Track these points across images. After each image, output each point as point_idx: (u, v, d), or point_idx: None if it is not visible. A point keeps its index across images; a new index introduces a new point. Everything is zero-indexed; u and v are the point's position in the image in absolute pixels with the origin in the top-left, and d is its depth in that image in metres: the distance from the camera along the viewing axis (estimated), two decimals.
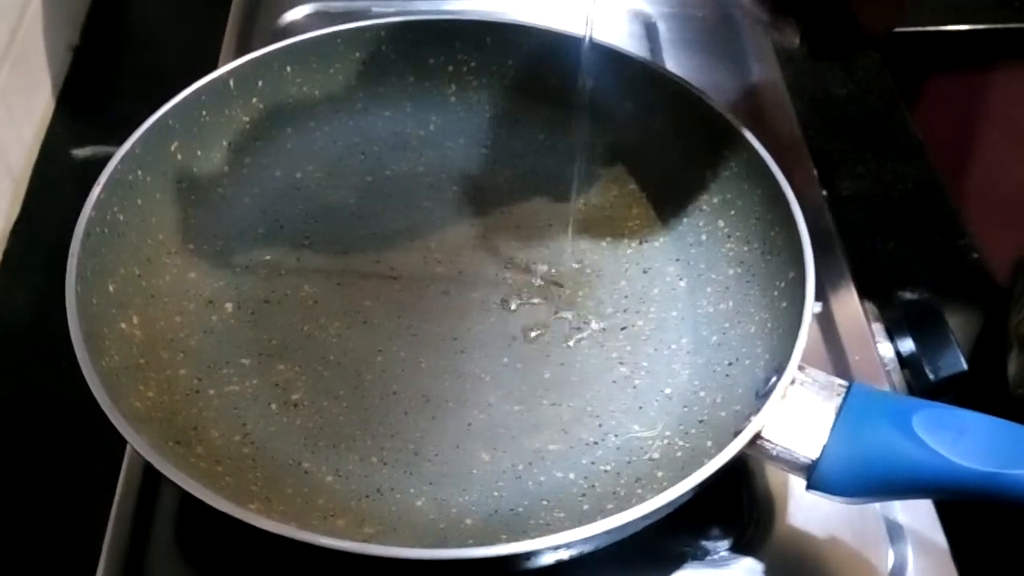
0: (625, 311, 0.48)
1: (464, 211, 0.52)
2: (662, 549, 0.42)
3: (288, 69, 0.51)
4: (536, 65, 0.52)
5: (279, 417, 0.43)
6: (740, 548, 0.42)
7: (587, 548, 0.36)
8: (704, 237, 0.49)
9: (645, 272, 0.49)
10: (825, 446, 0.37)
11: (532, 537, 0.34)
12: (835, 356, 0.48)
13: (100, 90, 0.64)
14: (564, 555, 0.35)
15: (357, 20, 0.52)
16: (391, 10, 0.63)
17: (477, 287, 0.49)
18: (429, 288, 0.48)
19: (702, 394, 0.44)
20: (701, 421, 0.42)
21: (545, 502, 0.41)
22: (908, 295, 0.53)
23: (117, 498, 0.42)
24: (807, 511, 0.43)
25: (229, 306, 0.47)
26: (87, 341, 0.38)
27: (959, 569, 0.42)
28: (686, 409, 0.43)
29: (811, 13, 0.41)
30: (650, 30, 0.65)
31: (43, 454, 0.46)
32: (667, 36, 0.64)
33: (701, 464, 0.35)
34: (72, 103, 0.62)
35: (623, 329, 0.47)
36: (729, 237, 0.47)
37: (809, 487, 0.38)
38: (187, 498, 0.34)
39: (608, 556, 0.36)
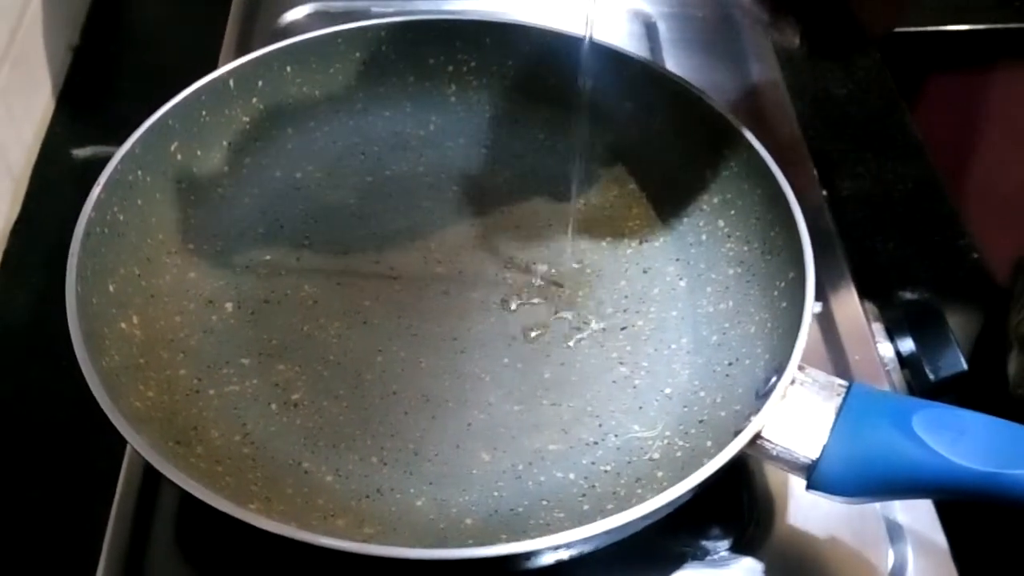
0: (625, 311, 0.48)
1: (464, 211, 0.52)
2: (662, 549, 0.42)
3: (288, 69, 0.51)
4: (536, 65, 0.52)
5: (279, 417, 0.43)
6: (740, 548, 0.42)
7: (587, 548, 0.36)
8: (704, 237, 0.49)
9: (645, 272, 0.49)
10: (825, 446, 0.37)
11: (532, 537, 0.34)
12: (835, 356, 0.48)
13: (100, 90, 0.64)
14: (564, 555, 0.35)
15: (357, 20, 0.52)
16: (391, 10, 0.64)
17: (477, 287, 0.49)
18: (429, 288, 0.48)
19: (702, 394, 0.44)
20: (701, 421, 0.42)
21: (545, 502, 0.41)
22: (908, 295, 0.53)
23: (117, 498, 0.42)
24: (807, 511, 0.43)
25: (229, 306, 0.47)
26: (87, 341, 0.38)
27: (959, 569, 0.42)
28: (686, 409, 0.43)
29: (811, 13, 0.41)
30: (650, 30, 0.65)
31: (43, 454, 0.46)
32: (667, 36, 0.64)
33: (701, 464, 0.35)
34: (72, 103, 0.62)
35: (623, 329, 0.47)
36: (729, 237, 0.47)
37: (809, 487, 0.38)
38: (187, 498, 0.34)
39: (608, 556, 0.36)
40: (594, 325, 0.47)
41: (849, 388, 0.38)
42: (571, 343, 0.47)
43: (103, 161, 0.44)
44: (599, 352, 0.46)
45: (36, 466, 0.46)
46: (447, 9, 0.66)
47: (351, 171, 0.53)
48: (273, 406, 0.43)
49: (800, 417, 0.38)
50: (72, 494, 0.45)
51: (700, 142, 0.49)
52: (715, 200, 0.48)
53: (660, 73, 0.50)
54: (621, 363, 0.46)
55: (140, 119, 0.46)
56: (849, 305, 0.50)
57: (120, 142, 0.45)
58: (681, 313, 0.47)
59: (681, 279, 0.48)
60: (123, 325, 0.43)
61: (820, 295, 0.45)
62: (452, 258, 0.50)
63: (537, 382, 0.45)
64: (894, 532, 0.42)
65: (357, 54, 0.52)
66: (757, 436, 0.37)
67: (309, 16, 0.65)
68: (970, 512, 0.42)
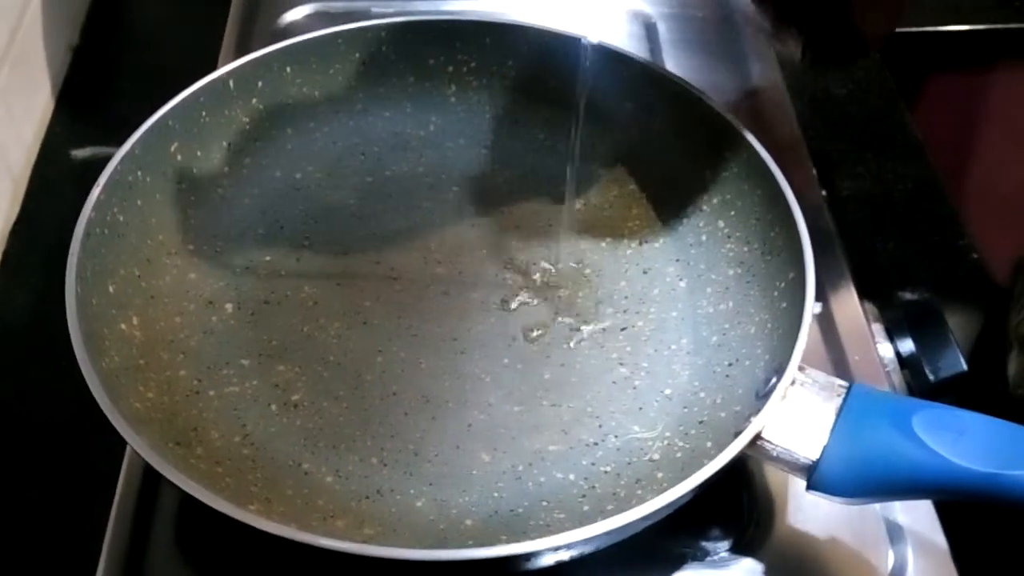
0: (625, 312, 0.48)
1: (464, 211, 0.52)
2: (662, 550, 0.42)
3: (288, 70, 0.51)
4: (536, 65, 0.52)
5: (279, 418, 0.43)
6: (740, 549, 0.42)
7: (587, 549, 0.36)
8: (704, 238, 0.49)
9: (645, 272, 0.49)
10: (825, 447, 0.37)
11: (532, 538, 0.34)
12: (835, 357, 0.48)
13: (100, 90, 0.64)
14: (564, 556, 0.35)
15: (357, 20, 0.52)
16: (391, 10, 0.63)
17: (477, 287, 0.49)
18: (429, 289, 0.48)
19: (702, 395, 0.44)
20: (701, 422, 0.42)
21: (545, 503, 0.41)
22: (908, 295, 0.53)
23: (117, 499, 0.42)
24: (807, 512, 0.43)
25: (229, 307, 0.47)
26: (87, 342, 0.38)
27: (959, 570, 0.42)
28: (686, 410, 0.43)
29: (813, 23, 0.41)
30: (650, 30, 0.65)
31: (43, 454, 0.46)
32: (667, 37, 0.64)
33: (701, 465, 0.35)
34: (72, 103, 0.62)
35: (623, 330, 0.47)
36: (729, 237, 0.47)
37: (809, 488, 0.38)
38: (187, 499, 0.34)
39: (608, 557, 0.36)
40: (594, 326, 0.47)
41: (849, 389, 0.38)
42: (571, 344, 0.47)
43: (103, 161, 0.44)
44: (599, 353, 0.46)
45: (36, 466, 0.46)
46: (447, 10, 0.66)
47: (351, 171, 0.53)
48: (273, 407, 0.43)
49: (800, 418, 0.38)
50: (72, 495, 0.45)
51: (700, 143, 0.49)
52: (715, 201, 0.48)
53: (660, 74, 0.50)
54: (621, 364, 0.46)
55: (140, 119, 0.46)
56: (849, 305, 0.50)
57: (120, 142, 0.45)
58: (681, 314, 0.47)
59: (681, 280, 0.48)
60: (123, 326, 0.43)
61: (820, 295, 0.45)
62: (452, 258, 0.50)
63: (537, 383, 0.45)
64: (894, 533, 0.42)
65: (357, 54, 0.52)
66: (757, 437, 0.37)
67: (309, 16, 0.65)
68: (970, 513, 0.42)
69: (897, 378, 0.48)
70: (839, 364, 0.48)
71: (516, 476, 0.42)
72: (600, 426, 0.43)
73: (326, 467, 0.42)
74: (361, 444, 0.43)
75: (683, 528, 0.42)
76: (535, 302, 0.48)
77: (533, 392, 0.45)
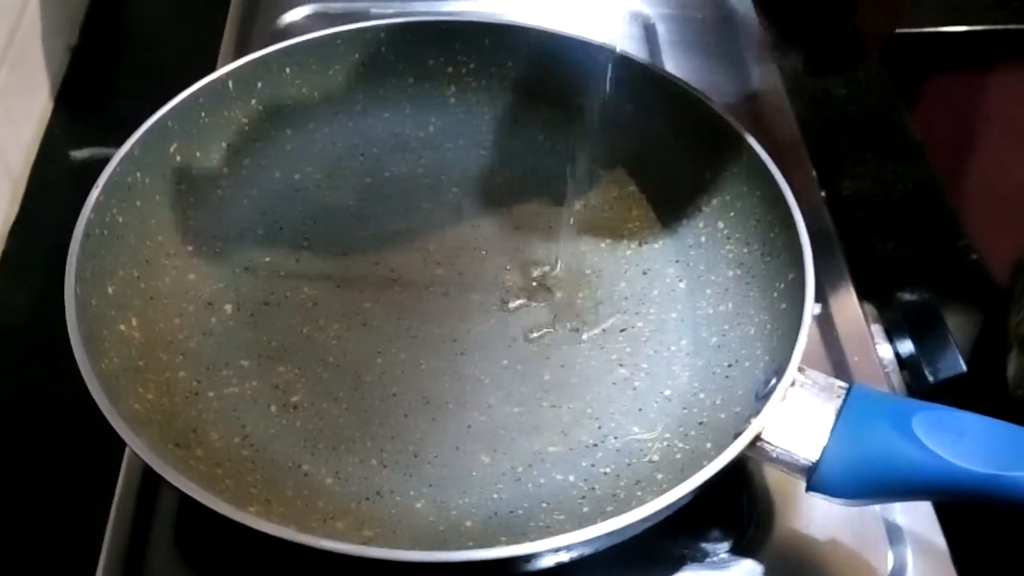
0: (625, 313, 0.48)
1: (464, 212, 0.52)
2: (662, 551, 0.42)
3: (287, 70, 0.51)
4: (535, 66, 0.52)
5: (279, 419, 0.43)
6: (740, 550, 0.42)
7: (587, 550, 0.36)
8: (704, 239, 0.48)
9: (645, 273, 0.49)
10: (825, 448, 0.37)
11: (532, 539, 0.34)
12: (835, 358, 0.48)
13: (99, 91, 0.64)
14: (564, 557, 0.35)
15: (356, 21, 0.52)
16: (390, 11, 0.64)
17: (477, 289, 0.49)
18: (429, 290, 0.48)
19: (702, 396, 0.44)
20: (701, 423, 0.42)
21: (545, 504, 0.41)
22: (907, 296, 0.53)
23: (116, 500, 0.42)
24: (807, 513, 0.43)
25: (228, 308, 0.47)
26: (86, 343, 0.38)
27: (959, 571, 0.42)
28: (686, 411, 0.43)
29: (815, 35, 0.41)
30: (649, 31, 0.65)
31: (43, 454, 0.46)
32: (666, 38, 0.64)
33: (701, 466, 0.35)
34: (70, 104, 0.62)
35: (623, 331, 0.47)
36: (729, 239, 0.47)
37: (809, 489, 0.38)
38: (186, 500, 0.34)
39: (608, 558, 0.36)
40: (594, 327, 0.47)
41: (849, 390, 0.38)
42: (571, 345, 0.47)
43: (101, 162, 0.44)
44: (599, 354, 0.46)
45: (36, 466, 0.46)
46: (446, 10, 0.66)
47: (350, 172, 0.53)
48: (273, 408, 0.43)
49: (800, 419, 0.38)
50: (72, 495, 0.45)
51: (699, 144, 0.49)
52: (714, 202, 0.48)
53: (660, 75, 0.50)
54: (621, 365, 0.46)
55: (139, 120, 0.46)
56: (848, 306, 0.50)
57: (118, 143, 0.45)
58: (681, 315, 0.47)
59: (681, 281, 0.48)
60: (122, 327, 0.42)
61: (819, 296, 0.45)
62: (452, 259, 0.50)
63: (537, 384, 0.45)
64: (894, 534, 0.42)
65: (356, 55, 0.52)
66: (757, 438, 0.37)
67: (308, 17, 0.65)
68: (969, 514, 0.42)
69: (896, 379, 0.48)
70: (839, 365, 0.48)
71: (516, 477, 0.42)
72: (600, 427, 0.43)
73: (326, 468, 0.42)
74: (361, 445, 0.43)
75: (683, 529, 0.42)
76: (535, 303, 0.48)
77: (533, 393, 0.45)
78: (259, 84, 0.50)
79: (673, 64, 0.62)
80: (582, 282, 0.49)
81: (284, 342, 0.46)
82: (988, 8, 0.69)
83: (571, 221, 0.50)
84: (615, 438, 0.43)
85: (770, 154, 0.46)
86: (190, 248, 0.47)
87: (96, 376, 0.37)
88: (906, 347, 0.49)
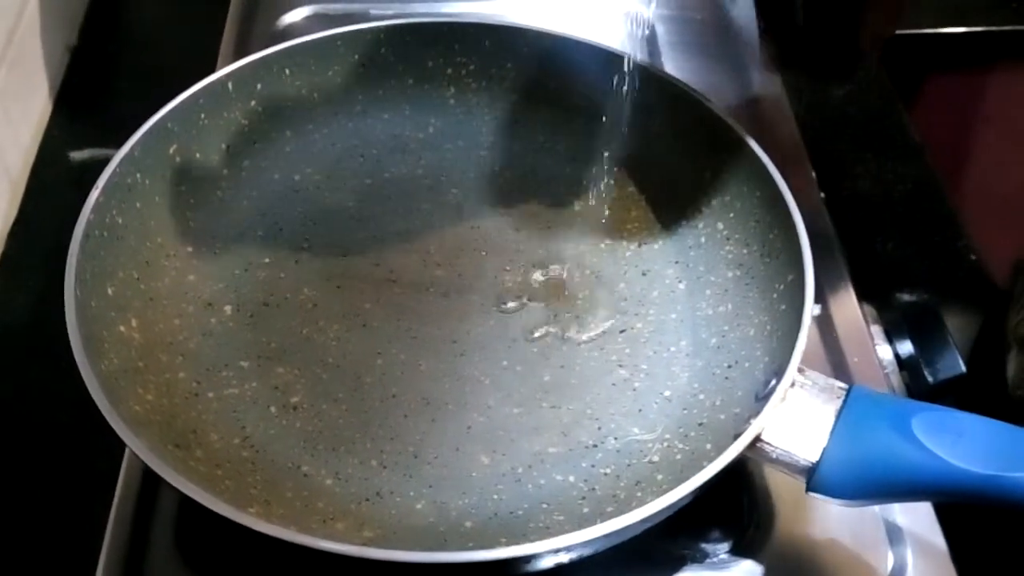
0: (624, 313, 0.48)
1: (463, 213, 0.52)
2: (662, 552, 0.42)
3: (287, 71, 0.51)
4: (535, 68, 0.52)
5: (278, 420, 0.43)
6: (740, 551, 0.42)
7: (587, 551, 0.36)
8: (703, 239, 0.49)
9: (644, 274, 0.49)
10: (825, 449, 0.37)
11: (532, 540, 0.34)
12: (834, 358, 0.48)
13: (98, 92, 0.64)
14: (564, 558, 0.35)
15: (356, 22, 0.52)
16: (390, 12, 0.64)
17: (476, 290, 0.49)
18: (428, 291, 0.48)
19: (701, 397, 0.44)
20: (701, 424, 0.42)
21: (545, 505, 0.41)
22: (907, 297, 0.53)
23: (116, 501, 0.42)
24: (807, 514, 0.43)
25: (228, 309, 0.47)
26: (86, 344, 0.38)
27: (958, 571, 0.42)
28: (685, 412, 0.43)
29: (817, 42, 0.41)
30: (649, 33, 0.65)
31: (43, 454, 0.46)
32: (665, 39, 0.64)
33: (701, 467, 0.35)
34: (70, 105, 0.62)
35: (622, 332, 0.47)
36: (728, 239, 0.47)
37: (809, 490, 0.38)
38: (186, 501, 0.34)
39: (608, 559, 0.36)
40: (593, 328, 0.47)
41: (848, 391, 0.38)
42: (570, 346, 0.47)
43: (101, 163, 0.44)
44: (598, 355, 0.46)
45: (36, 466, 0.46)
46: (446, 12, 0.66)
47: (350, 173, 0.53)
48: (272, 409, 0.43)
49: (800, 420, 0.38)
50: (71, 496, 0.45)
51: (699, 144, 0.49)
52: (714, 202, 0.48)
53: (659, 76, 0.50)
54: (620, 366, 0.46)
55: (138, 121, 0.46)
56: (848, 307, 0.50)
57: (118, 144, 0.45)
58: (680, 316, 0.47)
59: (680, 282, 0.48)
60: (122, 328, 0.42)
61: (819, 297, 0.45)
62: (451, 260, 0.50)
63: (536, 385, 0.45)
64: (893, 534, 0.42)
65: (356, 56, 0.52)
66: (757, 439, 0.37)
67: (308, 18, 0.65)
68: (969, 514, 0.42)
69: (896, 380, 0.48)
70: (838, 366, 0.48)
71: (516, 478, 0.42)
72: (599, 428, 0.43)
73: (326, 469, 0.42)
74: (361, 446, 0.43)
75: (683, 530, 0.42)
76: (534, 304, 0.48)
77: (532, 394, 0.45)
78: (259, 85, 0.50)
79: (673, 65, 0.62)
80: (581, 283, 0.49)
81: (284, 343, 0.46)
82: (988, 8, 0.69)
83: (571, 222, 0.50)
84: (615, 439, 0.43)
85: (769, 155, 0.46)
86: (190, 249, 0.47)
87: (96, 377, 0.37)
88: (906, 348, 0.49)
